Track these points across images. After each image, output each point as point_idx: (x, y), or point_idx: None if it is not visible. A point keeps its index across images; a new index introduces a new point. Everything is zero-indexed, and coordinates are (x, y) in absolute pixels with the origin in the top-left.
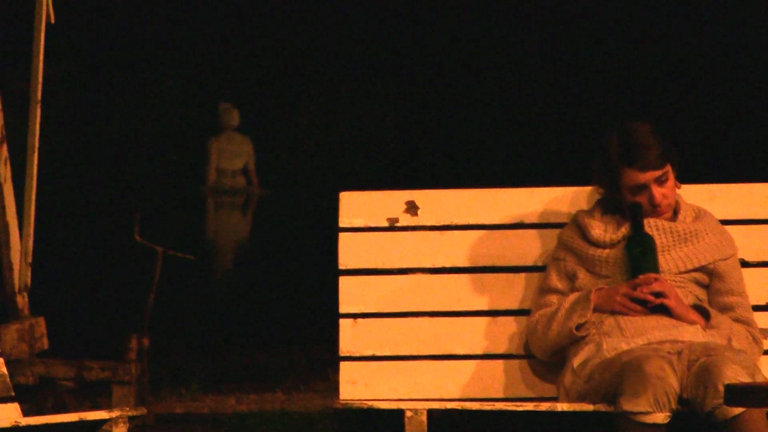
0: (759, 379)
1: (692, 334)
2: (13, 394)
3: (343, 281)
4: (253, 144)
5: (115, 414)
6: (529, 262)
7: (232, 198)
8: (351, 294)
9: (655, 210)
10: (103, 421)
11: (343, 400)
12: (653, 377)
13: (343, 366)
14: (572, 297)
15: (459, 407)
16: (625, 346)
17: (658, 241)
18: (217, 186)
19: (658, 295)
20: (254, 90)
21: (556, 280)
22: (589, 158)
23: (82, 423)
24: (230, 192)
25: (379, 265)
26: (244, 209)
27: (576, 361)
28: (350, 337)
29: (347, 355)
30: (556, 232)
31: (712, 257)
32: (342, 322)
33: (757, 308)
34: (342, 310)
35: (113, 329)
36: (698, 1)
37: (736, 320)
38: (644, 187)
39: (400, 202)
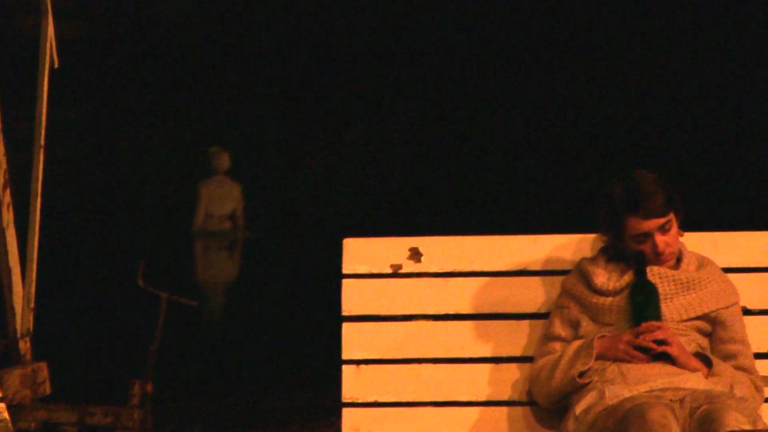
0: (760, 427)
1: (695, 381)
2: None
3: (347, 327)
4: (243, 189)
5: None
6: (533, 309)
7: (219, 242)
8: (354, 340)
9: (658, 258)
10: None
11: None
12: (656, 425)
13: (346, 412)
14: (575, 344)
15: None
16: (627, 394)
17: (661, 289)
18: (203, 229)
19: (661, 342)
20: (257, 134)
21: (559, 328)
22: (593, 206)
23: None
24: (217, 234)
25: (383, 312)
26: (233, 252)
27: (579, 408)
28: (353, 383)
29: (350, 401)
30: (559, 279)
31: (714, 305)
32: (345, 368)
33: (759, 356)
34: (345, 356)
35: (116, 374)
36: (700, 52)
37: (739, 368)
38: (648, 235)
39: (403, 248)
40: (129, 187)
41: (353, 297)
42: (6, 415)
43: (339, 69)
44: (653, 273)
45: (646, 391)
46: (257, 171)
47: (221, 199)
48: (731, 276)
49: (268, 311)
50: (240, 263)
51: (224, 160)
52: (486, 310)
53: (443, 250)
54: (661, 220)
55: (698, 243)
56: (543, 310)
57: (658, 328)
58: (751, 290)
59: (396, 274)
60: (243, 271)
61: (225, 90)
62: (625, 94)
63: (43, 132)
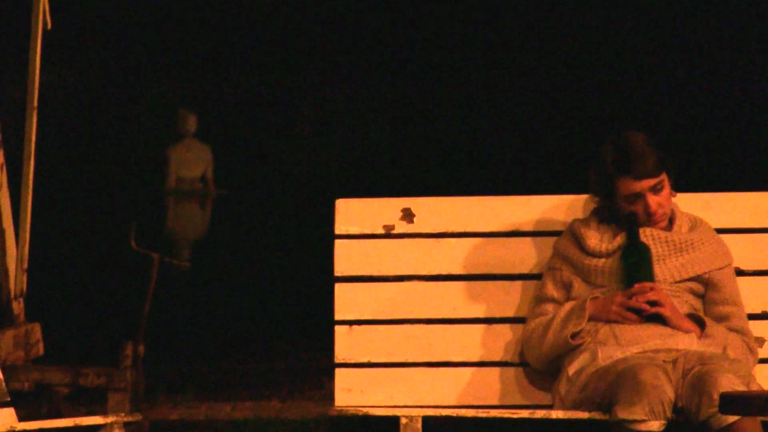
0: (754, 388)
1: (687, 343)
2: (8, 399)
3: (339, 288)
4: (213, 150)
5: (110, 420)
6: (525, 271)
7: (190, 199)
8: (346, 301)
9: (650, 219)
10: (98, 427)
11: (338, 407)
12: (648, 386)
13: (339, 373)
14: (567, 306)
15: (454, 414)
16: (620, 355)
17: (653, 251)
18: (175, 190)
19: (654, 304)
20: (248, 96)
21: (551, 289)
22: (585, 167)
23: (77, 428)
24: (188, 194)
25: (375, 273)
26: (204, 208)
27: (571, 370)
28: (346, 344)
29: (342, 362)
30: (552, 240)
31: (707, 267)
32: (337, 329)
33: (752, 317)
34: (337, 317)
35: (109, 336)
36: (693, 12)
37: (732, 329)
38: (640, 196)
39: (396, 209)
40: (121, 147)
41: (346, 258)
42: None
43: (329, 30)
44: (646, 234)
45: (639, 352)
46: (249, 133)
47: (190, 162)
48: (724, 237)
49: (260, 273)
50: (210, 220)
51: (191, 123)
52: (478, 271)
53: (435, 211)
54: (653, 181)
55: (691, 204)
56: (535, 272)
57: (651, 289)
58: (744, 251)
59: (388, 234)
60: (234, 233)
61: (218, 51)
62: (618, 54)
63: (36, 93)
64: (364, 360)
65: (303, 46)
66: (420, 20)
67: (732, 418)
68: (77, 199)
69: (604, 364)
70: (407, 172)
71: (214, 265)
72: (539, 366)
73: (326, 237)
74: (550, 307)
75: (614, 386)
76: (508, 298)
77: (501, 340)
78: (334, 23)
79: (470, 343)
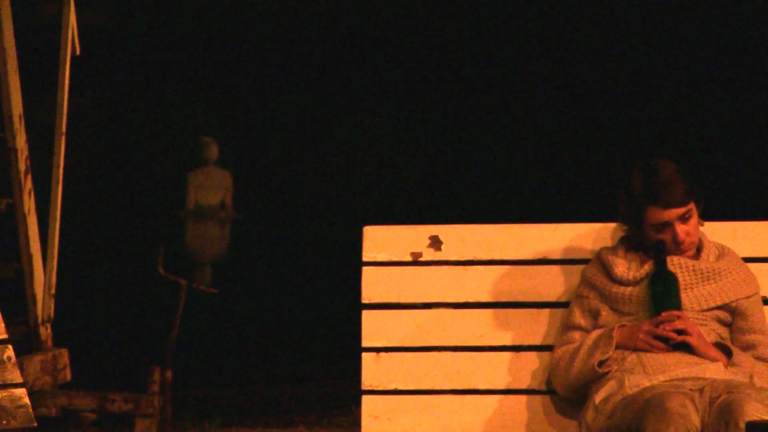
0: None
1: (714, 371)
2: (35, 425)
3: (366, 315)
4: (233, 176)
5: None
6: (553, 298)
7: (209, 221)
8: (374, 328)
9: (678, 248)
10: None
11: None
12: (675, 414)
13: (366, 400)
14: (595, 334)
15: None
16: (647, 383)
17: (681, 279)
18: (194, 214)
19: (681, 332)
20: (277, 122)
21: (579, 317)
22: (613, 195)
23: None
24: (206, 217)
25: (402, 300)
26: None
27: (598, 398)
28: (373, 371)
29: (370, 389)
30: (579, 268)
31: (734, 295)
32: (365, 356)
33: None
34: (365, 344)
35: (136, 361)
36: (724, 39)
37: (758, 358)
38: (668, 225)
39: (423, 236)
40: (150, 174)
41: (373, 285)
42: (27, 400)
43: (359, 56)
44: (673, 263)
45: (666, 381)
46: (277, 159)
47: (209, 190)
48: (751, 266)
49: (288, 300)
50: (230, 241)
51: (213, 151)
52: (506, 298)
53: (463, 238)
54: (681, 210)
55: (718, 232)
56: (563, 299)
57: (678, 317)
58: None
59: (416, 262)
60: (263, 259)
61: (246, 78)
62: (647, 82)
63: (64, 119)
64: (391, 387)
65: (332, 72)
66: (451, 49)
67: None
68: (105, 224)
69: (631, 392)
70: (435, 200)
71: (242, 292)
72: (566, 394)
73: (354, 264)
74: (577, 335)
75: (641, 414)
76: (536, 326)
77: (528, 368)
78: (363, 49)
79: (497, 370)
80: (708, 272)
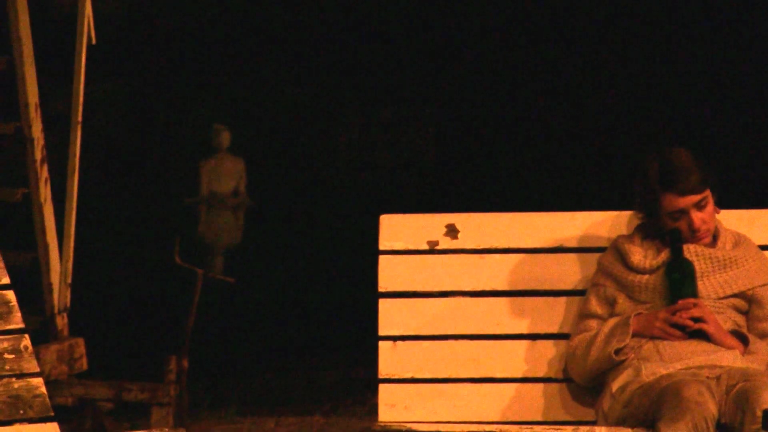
0: None
1: (731, 359)
2: (52, 414)
3: (383, 304)
4: (246, 163)
5: None
6: (569, 287)
7: (223, 208)
8: (390, 316)
9: (694, 235)
10: None
11: (381, 422)
12: (692, 402)
13: (382, 388)
14: (611, 322)
15: (497, 430)
16: (663, 371)
17: (697, 267)
18: (207, 202)
19: (697, 320)
20: (293, 112)
21: (595, 305)
22: (629, 183)
23: None
24: (220, 204)
25: (419, 288)
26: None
27: (615, 386)
28: (389, 359)
29: (386, 377)
30: (595, 256)
31: (751, 283)
32: (381, 344)
33: None
34: (381, 332)
35: (152, 351)
36: (740, 28)
37: None
38: (684, 212)
39: (440, 225)
40: (164, 163)
41: (390, 273)
42: (43, 390)
43: (375, 43)
44: (689, 251)
45: (683, 369)
46: (293, 148)
47: (222, 177)
48: None
49: (304, 288)
50: (243, 228)
51: (225, 138)
52: (522, 286)
53: (480, 226)
54: (697, 197)
55: (735, 220)
56: (579, 288)
57: (695, 305)
58: None
59: (432, 250)
60: (279, 248)
61: (262, 66)
62: (663, 70)
63: (80, 108)
64: (408, 375)
65: (346, 60)
66: (465, 38)
67: None
68: (121, 213)
69: (648, 380)
70: (452, 188)
71: (258, 281)
72: (583, 382)
73: (371, 252)
74: (593, 323)
75: (658, 402)
76: (552, 314)
77: (544, 356)
78: (378, 38)
79: (514, 358)
80: (724, 260)
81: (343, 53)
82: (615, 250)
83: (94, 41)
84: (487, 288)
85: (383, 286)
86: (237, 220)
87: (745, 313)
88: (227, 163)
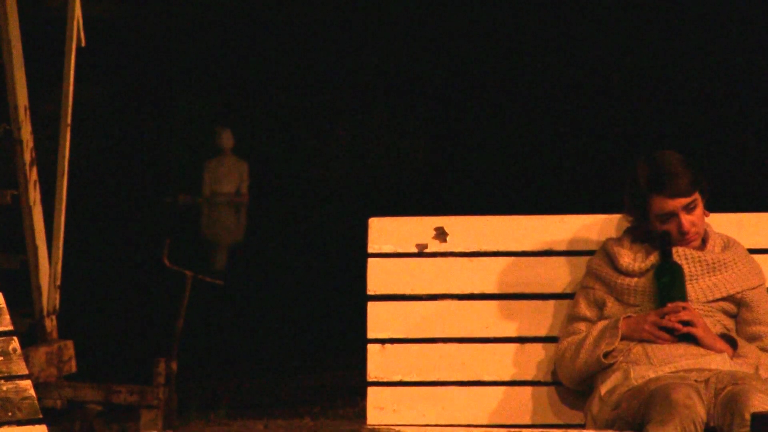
0: None
1: (720, 362)
2: (41, 416)
3: (372, 306)
4: (249, 166)
5: None
6: (558, 290)
7: (225, 207)
8: (379, 319)
9: (683, 238)
10: None
11: (370, 425)
12: (680, 405)
13: (371, 391)
14: (600, 325)
15: None
16: (652, 374)
17: (686, 270)
18: (209, 202)
19: (686, 323)
20: (285, 114)
21: (584, 308)
22: (618, 186)
23: None
24: (222, 203)
25: (408, 291)
26: (238, 216)
27: (603, 389)
28: (378, 362)
29: (375, 380)
30: (584, 259)
31: (740, 286)
32: (370, 347)
33: None
34: (370, 335)
35: (142, 353)
36: (728, 34)
37: (764, 350)
38: (673, 215)
39: (429, 228)
40: (154, 165)
41: (379, 276)
42: (32, 392)
43: (368, 47)
44: (678, 254)
45: (671, 372)
46: (283, 151)
47: (224, 177)
48: (757, 257)
49: (293, 291)
50: (246, 226)
51: (227, 139)
52: (511, 290)
53: (469, 229)
54: (686, 200)
55: (724, 224)
56: (568, 291)
57: (684, 308)
58: None
59: (421, 253)
60: (268, 250)
61: (251, 69)
62: (653, 74)
63: (69, 111)
64: (397, 378)
65: (339, 64)
66: (457, 41)
67: None
68: (110, 216)
69: (637, 383)
70: (440, 191)
71: (247, 283)
72: (571, 385)
73: (359, 255)
74: (582, 326)
75: (646, 405)
76: (541, 317)
77: (533, 359)
78: (370, 42)
79: (503, 361)
80: (713, 263)
81: (337, 57)
82: (604, 253)
83: (83, 43)
84: (476, 291)
85: (372, 289)
86: (239, 219)
87: (734, 317)
88: (229, 164)
